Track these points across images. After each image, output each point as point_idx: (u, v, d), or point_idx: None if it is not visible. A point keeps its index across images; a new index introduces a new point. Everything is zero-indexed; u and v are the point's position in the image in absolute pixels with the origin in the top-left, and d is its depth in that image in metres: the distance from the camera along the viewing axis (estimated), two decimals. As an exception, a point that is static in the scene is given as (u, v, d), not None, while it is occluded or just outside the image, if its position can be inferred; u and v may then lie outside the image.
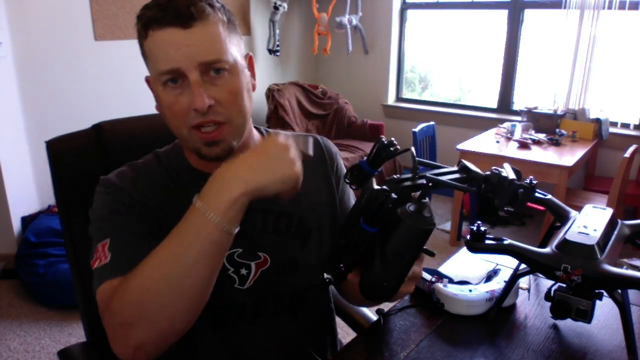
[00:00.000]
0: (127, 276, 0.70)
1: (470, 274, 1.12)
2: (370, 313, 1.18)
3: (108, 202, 0.82)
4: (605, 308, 0.99)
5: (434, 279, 1.03)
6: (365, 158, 0.77)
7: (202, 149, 0.80)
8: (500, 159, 2.98)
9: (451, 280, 1.06)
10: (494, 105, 4.11)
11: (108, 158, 1.03)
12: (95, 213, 0.82)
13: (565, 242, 0.85)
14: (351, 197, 1.04)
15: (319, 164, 0.98)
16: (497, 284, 1.01)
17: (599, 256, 0.82)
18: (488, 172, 0.85)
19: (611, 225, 0.93)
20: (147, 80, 0.84)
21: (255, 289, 0.88)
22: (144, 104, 3.15)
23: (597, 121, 3.35)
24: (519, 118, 3.63)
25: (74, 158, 1.01)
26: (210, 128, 0.78)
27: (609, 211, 0.96)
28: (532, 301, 1.03)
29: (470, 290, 0.98)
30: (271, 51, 4.20)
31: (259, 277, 0.88)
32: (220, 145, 0.79)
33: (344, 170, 1.01)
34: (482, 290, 0.98)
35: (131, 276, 0.69)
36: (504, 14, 3.89)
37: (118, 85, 3.25)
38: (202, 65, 0.74)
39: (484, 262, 1.16)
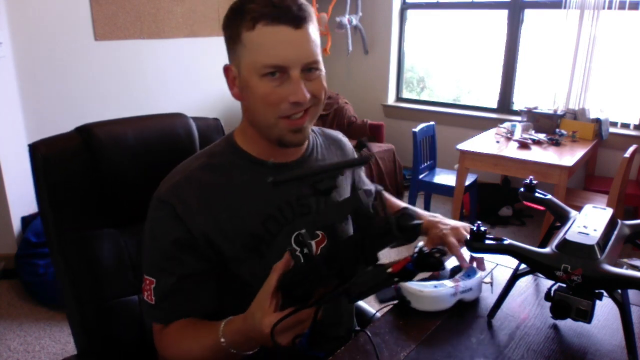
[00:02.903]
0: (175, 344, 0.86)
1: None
2: (370, 312, 1.18)
3: (157, 233, 0.88)
4: (605, 308, 0.99)
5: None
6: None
7: (286, 136, 0.87)
8: (500, 159, 2.98)
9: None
10: (494, 105, 4.11)
11: (97, 160, 0.99)
12: (146, 238, 0.90)
13: (565, 242, 0.85)
14: (362, 176, 1.16)
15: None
16: (461, 279, 1.01)
17: (599, 256, 0.82)
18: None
19: (611, 225, 0.93)
20: (227, 68, 0.90)
21: None
22: (143, 103, 3.16)
23: (597, 121, 3.35)
24: (519, 118, 3.63)
25: (63, 161, 0.97)
26: (298, 115, 0.86)
27: (609, 211, 0.96)
28: (532, 301, 1.03)
29: (436, 286, 0.98)
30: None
31: (319, 254, 0.94)
32: (303, 133, 0.88)
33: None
34: (447, 286, 0.98)
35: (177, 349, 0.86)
36: (504, 14, 3.89)
37: (118, 85, 3.25)
38: (304, 65, 0.83)
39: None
